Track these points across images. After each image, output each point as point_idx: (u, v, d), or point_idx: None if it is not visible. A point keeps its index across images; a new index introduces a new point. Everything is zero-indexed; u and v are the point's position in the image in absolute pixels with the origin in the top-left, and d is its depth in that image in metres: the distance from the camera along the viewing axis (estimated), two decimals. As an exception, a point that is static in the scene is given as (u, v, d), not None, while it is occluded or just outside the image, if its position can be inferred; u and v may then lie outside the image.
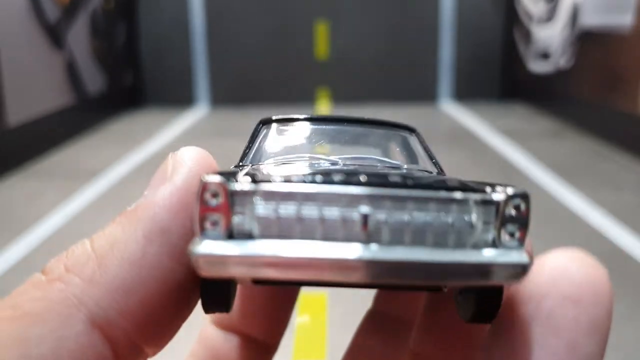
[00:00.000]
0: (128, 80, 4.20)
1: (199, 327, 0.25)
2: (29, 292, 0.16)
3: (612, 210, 1.97)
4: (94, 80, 3.57)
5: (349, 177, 0.15)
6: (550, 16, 3.59)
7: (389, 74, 4.32)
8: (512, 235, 0.17)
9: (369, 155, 0.22)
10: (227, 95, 4.31)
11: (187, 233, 0.16)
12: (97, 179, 2.45)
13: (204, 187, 0.15)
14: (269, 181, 0.16)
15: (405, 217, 0.15)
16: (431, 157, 0.23)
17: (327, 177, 0.16)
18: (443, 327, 0.21)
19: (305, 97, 4.30)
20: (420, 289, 0.19)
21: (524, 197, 0.17)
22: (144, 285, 0.16)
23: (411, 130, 0.24)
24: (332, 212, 0.15)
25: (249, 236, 0.16)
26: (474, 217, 0.16)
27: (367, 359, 0.24)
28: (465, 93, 4.33)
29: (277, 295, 0.24)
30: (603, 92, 2.96)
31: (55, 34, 3.07)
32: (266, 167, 0.19)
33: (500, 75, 4.35)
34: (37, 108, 2.86)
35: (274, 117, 0.23)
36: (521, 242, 0.17)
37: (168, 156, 0.18)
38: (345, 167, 0.19)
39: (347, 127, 0.23)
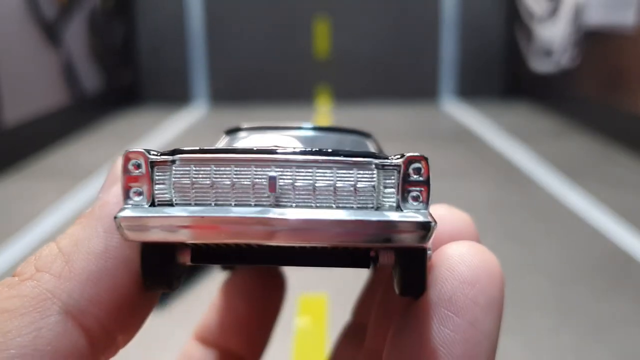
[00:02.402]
0: (126, 78, 4.19)
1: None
2: (4, 292, 0.17)
3: (614, 210, 1.96)
4: (91, 79, 3.56)
5: (263, 148, 0.17)
6: (552, 14, 3.59)
7: (390, 71, 4.31)
8: (416, 199, 0.17)
9: (320, 143, 0.23)
10: (225, 93, 4.31)
11: None
12: (95, 177, 2.44)
13: (127, 157, 0.17)
14: (185, 151, 0.17)
15: (309, 180, 0.17)
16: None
17: (243, 148, 0.17)
18: (385, 305, 0.22)
19: (305, 95, 4.29)
20: (345, 263, 0.19)
21: (423, 159, 0.17)
22: (110, 275, 0.18)
23: (367, 135, 0.25)
24: (243, 178, 0.17)
25: (169, 204, 0.17)
26: (375, 180, 0.17)
27: None
28: (467, 91, 4.33)
29: (259, 309, 0.25)
30: (606, 91, 2.95)
31: (52, 33, 3.06)
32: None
33: (503, 73, 4.34)
34: (35, 106, 2.85)
35: (237, 126, 0.24)
36: (425, 203, 0.17)
37: (116, 159, 0.19)
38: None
39: (305, 133, 0.24)
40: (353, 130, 0.25)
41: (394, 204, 0.17)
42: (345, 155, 0.17)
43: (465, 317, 0.18)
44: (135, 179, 0.17)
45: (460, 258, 0.18)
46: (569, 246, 1.70)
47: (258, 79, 4.30)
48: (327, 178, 0.17)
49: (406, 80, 4.31)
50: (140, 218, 0.17)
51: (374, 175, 0.17)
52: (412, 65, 4.30)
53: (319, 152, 0.17)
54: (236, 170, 0.17)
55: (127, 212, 0.17)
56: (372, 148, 0.24)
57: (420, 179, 0.17)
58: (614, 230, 1.80)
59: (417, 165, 0.17)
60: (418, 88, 4.31)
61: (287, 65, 4.33)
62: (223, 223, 0.16)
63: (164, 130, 3.40)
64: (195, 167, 0.17)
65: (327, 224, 0.16)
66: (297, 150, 0.17)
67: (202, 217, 0.16)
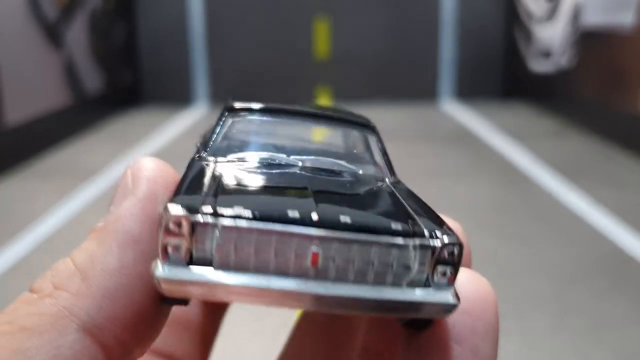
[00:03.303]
0: (127, 79, 4.19)
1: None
2: (23, 308, 0.18)
3: (614, 210, 1.97)
4: (92, 80, 3.57)
5: (305, 214, 0.17)
6: (551, 15, 3.59)
7: (390, 72, 4.31)
8: (444, 275, 0.18)
9: (328, 153, 0.23)
10: (226, 93, 4.30)
11: (155, 240, 0.18)
12: (96, 178, 2.45)
13: (168, 218, 0.17)
14: (230, 216, 0.17)
15: (350, 257, 0.17)
16: (387, 159, 0.24)
17: (283, 213, 0.17)
18: (385, 325, 0.23)
19: (305, 95, 4.29)
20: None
21: (459, 245, 0.18)
22: (127, 291, 0.18)
23: (371, 128, 0.25)
24: (286, 248, 0.17)
25: (207, 263, 0.17)
26: (412, 260, 0.18)
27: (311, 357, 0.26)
28: (467, 92, 4.33)
29: (203, 314, 0.25)
30: (605, 91, 2.96)
31: (54, 33, 3.07)
32: (227, 178, 0.20)
33: (502, 74, 4.35)
34: (36, 107, 2.86)
35: (238, 106, 0.24)
36: (450, 282, 0.18)
37: (126, 169, 0.19)
38: (300, 174, 0.21)
39: (311, 123, 0.24)
40: (357, 122, 0.25)
41: (423, 278, 0.18)
42: (390, 234, 0.18)
43: (466, 346, 0.19)
44: (174, 235, 0.17)
45: (460, 290, 0.19)
46: (568, 246, 1.71)
47: (258, 79, 4.31)
48: (367, 255, 0.18)
49: (406, 81, 4.31)
50: (183, 282, 0.17)
51: (412, 255, 0.18)
52: (412, 66, 4.30)
53: (364, 229, 0.17)
54: (279, 241, 0.17)
55: (167, 273, 0.17)
56: (375, 145, 0.24)
57: (453, 260, 0.18)
58: (614, 230, 1.81)
59: (452, 249, 0.18)
60: (418, 89, 4.31)
61: (288, 66, 4.33)
62: (265, 293, 0.17)
63: (165, 131, 3.41)
64: (238, 233, 0.17)
65: (364, 302, 0.17)
66: (342, 222, 0.17)
67: (246, 286, 0.17)
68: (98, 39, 3.65)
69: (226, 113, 0.23)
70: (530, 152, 2.76)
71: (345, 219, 0.17)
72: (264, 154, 0.22)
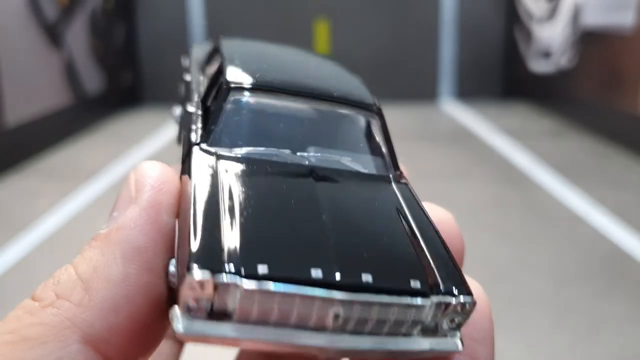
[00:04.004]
0: (127, 79, 4.20)
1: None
2: (25, 318, 0.17)
3: (613, 210, 1.97)
4: (92, 80, 3.57)
5: (328, 274, 0.17)
6: (551, 15, 3.59)
7: (390, 73, 4.32)
8: (452, 322, 0.19)
9: (330, 141, 0.23)
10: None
11: (160, 249, 0.18)
12: (96, 178, 2.45)
13: (191, 281, 0.16)
14: (253, 276, 0.16)
15: (369, 315, 0.18)
16: (390, 147, 0.23)
17: (306, 274, 0.17)
18: None
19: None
20: None
21: (472, 303, 0.18)
22: (130, 302, 0.18)
23: (375, 111, 0.24)
24: (307, 308, 0.17)
25: (228, 315, 0.17)
26: (427, 314, 0.18)
27: None
28: (467, 92, 4.33)
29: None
30: (605, 91, 2.96)
31: (54, 33, 3.07)
32: (241, 206, 0.18)
33: (502, 74, 4.35)
34: (36, 107, 2.86)
35: (245, 85, 0.22)
36: (458, 328, 0.19)
37: (130, 175, 0.19)
38: (313, 195, 0.20)
39: (316, 109, 0.23)
40: (360, 104, 0.24)
41: (433, 326, 0.19)
42: (409, 294, 0.18)
43: (466, 353, 0.20)
44: (196, 292, 0.16)
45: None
46: (568, 246, 1.71)
47: (258, 80, 4.31)
48: (386, 314, 0.18)
49: (406, 81, 4.32)
50: (203, 336, 0.17)
51: (428, 311, 0.18)
52: (412, 67, 4.31)
53: (385, 290, 0.18)
54: (302, 302, 0.17)
55: (188, 328, 0.16)
56: (378, 130, 0.24)
57: (465, 312, 0.18)
58: (613, 229, 1.81)
59: (465, 305, 0.18)
60: (417, 88, 4.31)
61: (287, 67, 4.33)
62: (285, 346, 0.17)
63: (165, 132, 3.41)
64: (262, 294, 0.17)
65: (378, 352, 0.18)
66: (364, 283, 0.17)
67: (266, 342, 0.17)
68: (98, 39, 3.65)
69: (228, 92, 0.22)
70: (530, 152, 2.76)
71: (367, 277, 0.17)
72: (270, 151, 0.21)
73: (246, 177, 0.20)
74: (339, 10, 4.24)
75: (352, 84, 0.24)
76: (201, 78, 0.24)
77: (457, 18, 4.28)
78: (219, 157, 0.20)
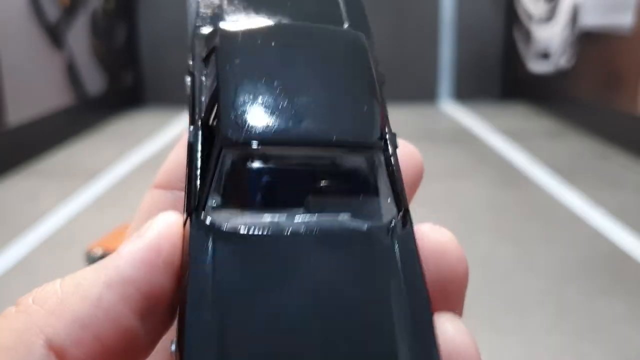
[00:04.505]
0: (128, 80, 4.21)
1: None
2: (1, 323, 0.18)
3: (612, 211, 1.97)
4: (94, 80, 3.58)
5: None
6: (550, 16, 3.60)
7: (389, 73, 4.29)
8: None
9: (333, 204, 0.20)
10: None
11: (144, 288, 0.18)
12: (97, 178, 2.46)
13: None
14: None
15: None
16: (395, 184, 0.21)
17: None
18: None
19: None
20: None
21: None
22: (99, 324, 0.18)
23: (380, 147, 0.21)
24: None
25: None
26: None
27: None
28: (466, 93, 4.34)
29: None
30: (603, 92, 2.97)
31: (55, 34, 3.08)
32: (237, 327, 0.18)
33: (501, 75, 4.36)
34: (37, 108, 2.87)
35: (243, 142, 0.20)
36: None
37: (158, 217, 0.20)
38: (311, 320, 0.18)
39: (315, 157, 0.21)
40: (362, 144, 0.21)
41: None
42: None
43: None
44: None
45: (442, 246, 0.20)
46: (567, 245, 1.72)
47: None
48: None
49: (405, 81, 4.33)
50: None
51: None
52: (411, 69, 4.31)
53: None
54: None
55: None
56: (382, 171, 0.21)
57: None
58: (612, 229, 1.82)
59: None
60: (416, 89, 4.32)
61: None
62: None
63: (167, 132, 3.42)
64: None
65: None
66: None
67: None
68: (99, 39, 3.66)
69: (225, 153, 0.20)
70: (529, 152, 2.77)
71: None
72: (265, 220, 0.19)
73: (243, 264, 0.19)
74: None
75: (359, 107, 0.21)
76: (203, 79, 0.22)
77: (456, 19, 4.28)
78: (215, 234, 0.19)
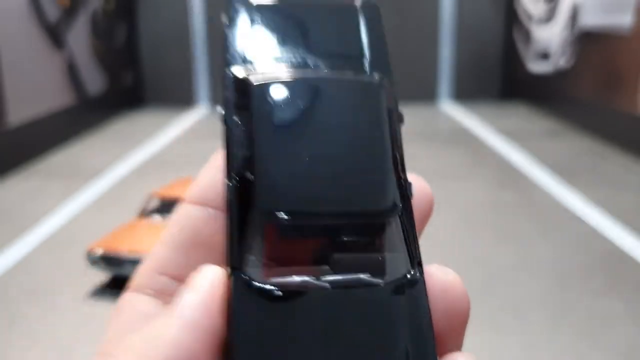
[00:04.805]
0: (128, 80, 4.21)
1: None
2: None
3: (611, 210, 1.98)
4: (94, 81, 3.59)
5: None
6: (550, 16, 3.61)
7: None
8: None
9: (353, 264, 0.23)
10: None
11: (210, 330, 0.20)
12: (98, 178, 2.47)
13: None
14: None
15: None
16: (409, 242, 0.23)
17: None
18: None
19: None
20: None
21: None
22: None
23: (397, 212, 0.23)
24: None
25: None
26: None
27: None
28: (465, 93, 4.35)
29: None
30: (603, 92, 2.97)
31: (55, 34, 3.09)
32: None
33: (501, 75, 4.37)
34: (38, 109, 2.88)
35: (276, 211, 0.22)
36: None
37: (203, 270, 0.22)
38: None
39: (337, 225, 0.23)
40: (378, 213, 0.23)
41: None
42: None
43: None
44: None
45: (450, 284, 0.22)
46: (566, 245, 1.72)
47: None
48: None
49: (405, 82, 4.33)
50: None
51: None
52: (411, 68, 4.32)
53: None
54: None
55: None
56: (397, 231, 0.23)
57: None
58: (611, 229, 1.83)
59: None
60: (416, 90, 4.33)
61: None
62: None
63: (167, 132, 3.43)
64: None
65: None
66: None
67: None
68: (99, 39, 3.67)
69: (260, 223, 0.22)
70: (529, 152, 2.77)
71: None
72: (294, 279, 0.22)
73: (276, 321, 0.21)
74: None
75: (376, 176, 0.23)
76: (237, 131, 0.23)
77: (455, 19, 4.29)
78: (252, 290, 0.21)
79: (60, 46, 3.14)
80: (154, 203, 1.67)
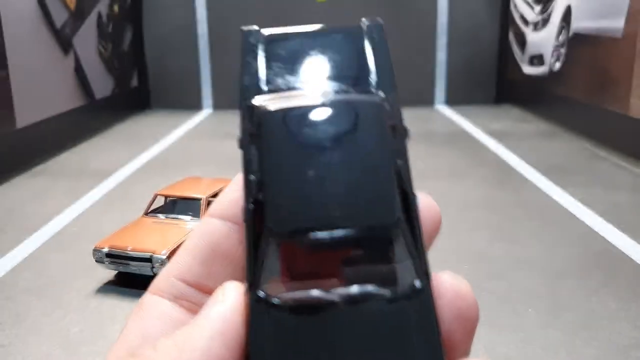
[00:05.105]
0: (134, 83, 4.24)
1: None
2: None
3: (605, 210, 2.00)
4: (100, 84, 3.61)
5: None
6: (544, 20, 3.61)
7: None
8: None
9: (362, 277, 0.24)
10: (231, 99, 4.34)
11: (235, 339, 0.22)
12: (104, 179, 2.49)
13: None
14: None
15: None
16: (415, 254, 0.24)
17: None
18: None
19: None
20: None
21: None
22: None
23: (398, 226, 0.24)
24: None
25: None
26: None
27: None
28: (460, 97, 4.35)
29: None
30: (595, 93, 2.98)
31: (62, 38, 3.11)
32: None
33: (495, 78, 4.38)
34: (45, 113, 2.90)
35: (285, 234, 0.23)
36: None
37: (225, 286, 0.24)
38: None
39: (340, 236, 0.23)
40: (381, 232, 0.24)
41: None
42: None
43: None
44: None
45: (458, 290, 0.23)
46: (561, 244, 1.74)
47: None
48: None
49: (401, 86, 4.30)
50: None
51: None
52: (407, 72, 4.31)
53: None
54: None
55: None
56: (402, 244, 0.24)
57: None
58: (605, 228, 1.84)
59: None
60: (413, 94, 4.33)
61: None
62: None
63: (172, 134, 3.44)
64: None
65: None
66: None
67: None
68: (105, 44, 3.70)
69: (271, 242, 0.23)
70: (523, 153, 2.79)
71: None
72: (307, 294, 0.23)
73: (290, 335, 0.22)
74: (338, 18, 4.27)
75: (381, 191, 0.24)
76: (252, 157, 0.25)
77: (450, 23, 4.29)
78: (266, 306, 0.23)
79: (67, 50, 3.17)
80: (159, 202, 1.69)
